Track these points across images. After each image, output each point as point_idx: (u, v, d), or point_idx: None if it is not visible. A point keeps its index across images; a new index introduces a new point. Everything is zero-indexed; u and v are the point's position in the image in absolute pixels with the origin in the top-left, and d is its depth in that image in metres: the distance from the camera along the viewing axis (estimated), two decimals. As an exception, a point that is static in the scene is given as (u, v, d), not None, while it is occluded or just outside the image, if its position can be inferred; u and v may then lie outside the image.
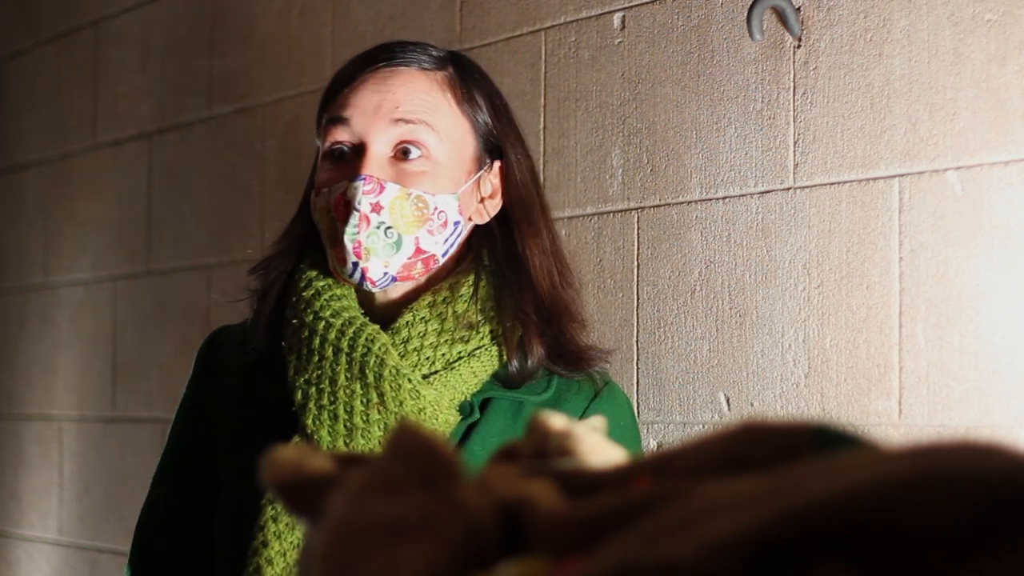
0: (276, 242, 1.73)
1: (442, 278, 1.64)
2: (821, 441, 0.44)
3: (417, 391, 1.56)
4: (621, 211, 2.04)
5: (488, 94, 1.69)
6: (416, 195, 1.60)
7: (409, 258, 1.60)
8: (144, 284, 3.05)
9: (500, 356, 1.62)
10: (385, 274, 1.60)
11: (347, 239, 1.58)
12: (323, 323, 1.59)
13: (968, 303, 1.67)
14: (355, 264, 1.58)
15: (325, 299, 1.62)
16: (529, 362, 1.61)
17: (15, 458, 3.51)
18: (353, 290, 1.65)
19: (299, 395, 1.58)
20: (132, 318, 3.08)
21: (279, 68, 2.71)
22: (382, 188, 1.58)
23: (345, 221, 1.58)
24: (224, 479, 1.66)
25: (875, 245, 1.75)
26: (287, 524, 1.55)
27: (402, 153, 1.61)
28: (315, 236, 1.68)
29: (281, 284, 1.67)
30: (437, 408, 1.58)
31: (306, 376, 1.58)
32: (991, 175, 1.66)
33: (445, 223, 1.62)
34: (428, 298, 1.62)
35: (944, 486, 0.36)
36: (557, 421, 0.56)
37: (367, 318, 1.61)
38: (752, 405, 1.86)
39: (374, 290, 1.61)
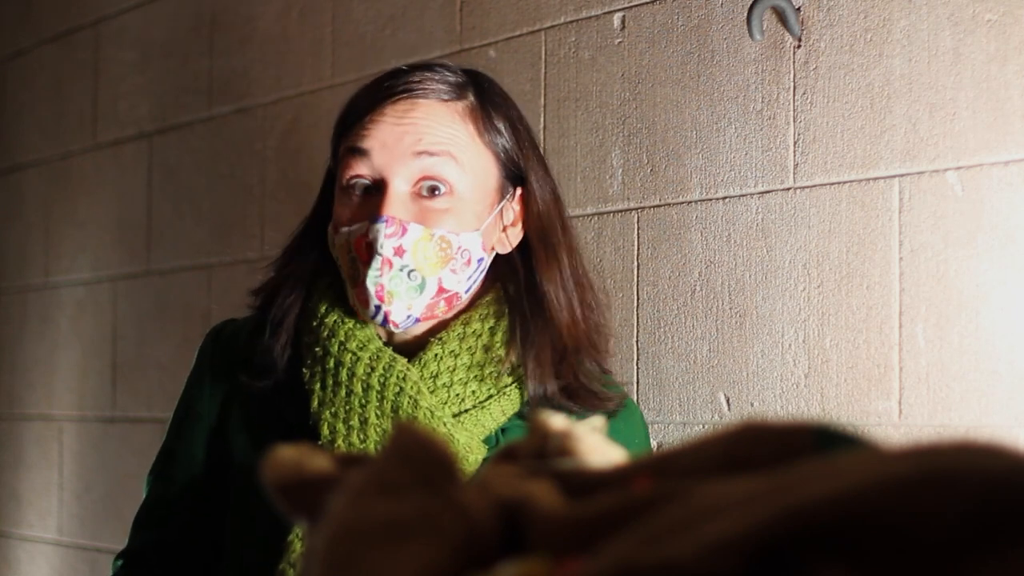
0: (286, 256, 1.68)
1: (468, 307, 1.61)
2: (821, 441, 0.44)
3: (451, 434, 1.53)
4: (621, 211, 2.04)
5: (510, 119, 1.64)
6: (440, 235, 1.55)
7: (432, 298, 1.56)
8: (144, 284, 3.05)
9: (523, 393, 1.60)
10: (408, 316, 1.56)
11: (369, 283, 1.53)
12: (350, 355, 1.56)
13: (968, 303, 1.67)
14: (377, 307, 1.54)
15: (348, 328, 1.58)
16: (548, 390, 1.59)
17: (15, 458, 3.51)
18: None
19: (326, 429, 1.55)
20: (132, 318, 3.08)
21: (279, 68, 2.71)
22: (404, 230, 1.54)
23: (368, 263, 1.54)
24: (241, 494, 1.63)
25: (875, 245, 1.75)
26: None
27: (428, 190, 1.56)
28: (330, 257, 1.64)
29: (299, 304, 1.64)
30: (468, 449, 1.55)
31: (333, 409, 1.55)
32: (991, 175, 1.66)
33: (468, 261, 1.58)
34: (458, 329, 1.58)
35: (944, 486, 0.36)
36: (557, 421, 0.56)
37: (390, 348, 1.58)
38: (752, 405, 1.86)
39: (396, 331, 1.58)
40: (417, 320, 1.57)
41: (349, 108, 1.63)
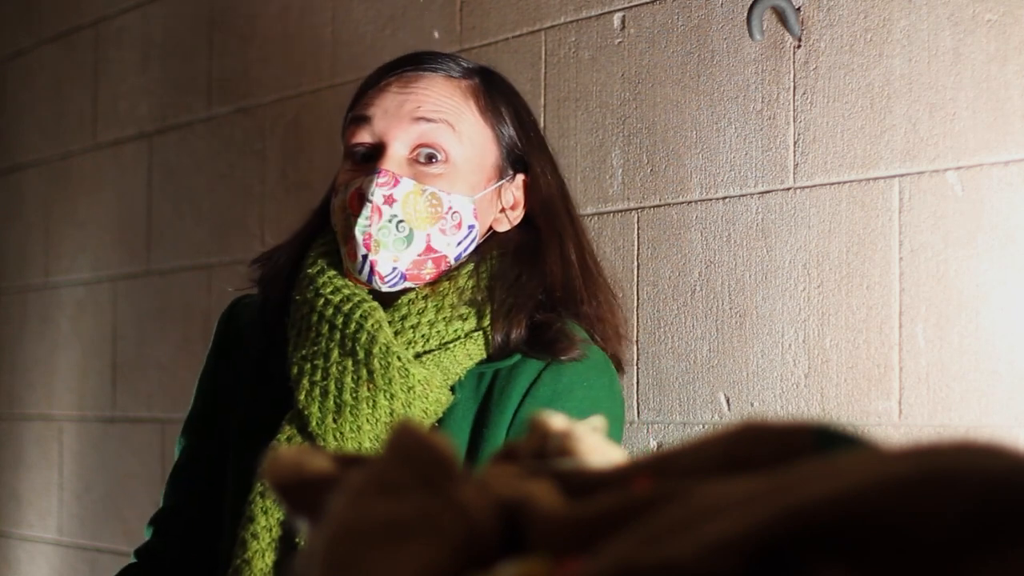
0: (289, 241, 1.76)
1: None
2: (821, 441, 0.44)
3: (406, 369, 1.57)
4: (621, 211, 2.04)
5: (515, 108, 1.71)
6: (431, 192, 1.61)
7: (419, 255, 1.61)
8: (144, 284, 3.05)
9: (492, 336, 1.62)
10: (394, 269, 1.60)
11: (358, 231, 1.59)
12: (322, 300, 1.61)
13: (968, 303, 1.67)
14: (364, 257, 1.59)
15: (328, 276, 1.63)
16: (513, 335, 1.61)
17: (15, 458, 3.51)
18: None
19: (295, 370, 1.60)
20: (132, 318, 3.08)
21: (279, 68, 2.71)
22: (396, 182, 1.60)
23: (358, 214, 1.60)
24: (232, 453, 1.69)
25: (875, 245, 1.75)
26: (275, 500, 1.56)
27: (425, 158, 1.62)
28: (327, 232, 1.70)
29: (291, 267, 1.70)
30: (427, 387, 1.58)
31: (303, 352, 1.60)
32: (991, 175, 1.66)
33: (459, 224, 1.63)
34: (448, 280, 1.63)
35: (944, 486, 0.36)
36: (557, 421, 0.56)
37: (370, 296, 1.62)
38: (752, 405, 1.86)
39: (383, 288, 1.62)
40: (404, 277, 1.61)
41: (362, 85, 1.71)
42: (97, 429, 3.17)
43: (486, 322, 1.62)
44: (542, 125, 2.15)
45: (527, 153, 1.70)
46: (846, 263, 1.78)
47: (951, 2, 1.70)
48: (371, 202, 1.59)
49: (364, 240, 1.59)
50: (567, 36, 2.14)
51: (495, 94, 1.69)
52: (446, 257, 1.63)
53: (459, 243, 1.63)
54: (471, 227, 1.64)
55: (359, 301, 1.60)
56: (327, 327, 1.59)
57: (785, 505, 0.37)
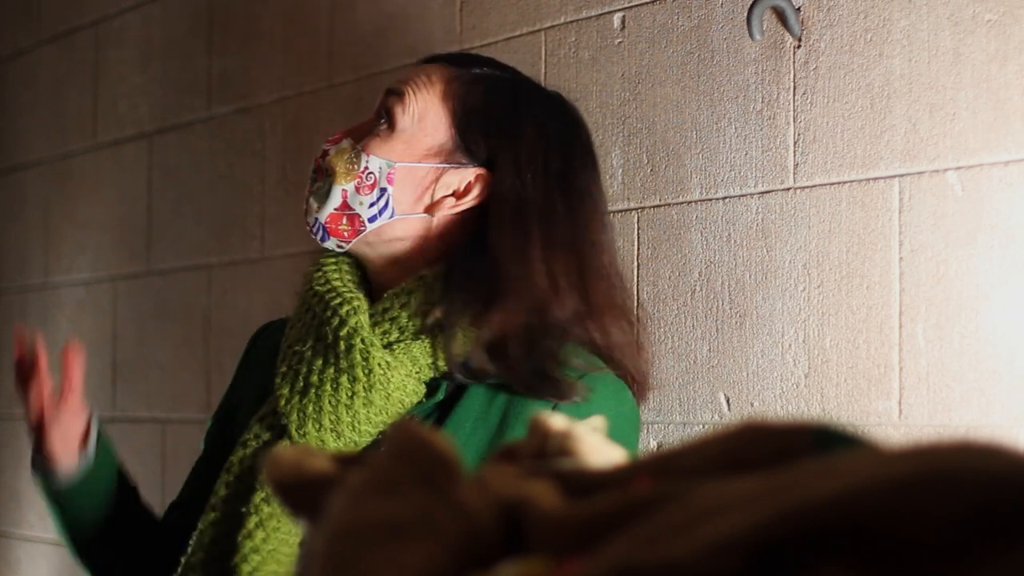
0: None
1: (435, 261, 1.66)
2: (821, 441, 0.44)
3: (368, 351, 1.59)
4: (621, 211, 2.04)
5: (507, 115, 1.68)
6: (356, 148, 1.68)
7: (336, 209, 1.67)
8: (144, 284, 3.05)
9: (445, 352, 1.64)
10: (316, 220, 1.68)
11: (306, 191, 1.71)
12: (311, 291, 1.68)
13: (968, 303, 1.67)
14: (305, 210, 1.70)
15: (324, 271, 1.69)
16: (472, 363, 1.60)
17: (15, 458, 3.51)
18: (354, 266, 1.71)
19: (280, 358, 1.66)
20: (132, 318, 3.08)
21: (279, 68, 2.71)
22: (337, 140, 1.69)
23: None
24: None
25: (875, 245, 1.75)
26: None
27: (375, 120, 1.70)
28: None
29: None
30: (387, 371, 1.59)
31: (288, 342, 1.67)
32: (991, 175, 1.66)
33: (373, 185, 1.66)
34: (424, 272, 1.65)
35: (944, 486, 0.36)
36: (557, 421, 0.56)
37: (362, 293, 1.67)
38: (752, 405, 1.86)
39: (317, 240, 1.69)
40: (324, 228, 1.67)
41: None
42: (97, 429, 3.17)
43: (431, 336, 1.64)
44: (542, 125, 2.15)
45: (496, 153, 1.65)
46: (846, 263, 1.78)
47: (951, 2, 1.70)
48: (314, 159, 1.70)
49: (306, 195, 1.70)
50: (567, 36, 2.14)
51: (479, 89, 1.67)
52: (359, 217, 1.66)
53: (371, 204, 1.66)
54: (383, 191, 1.66)
55: (347, 295, 1.65)
56: (311, 316, 1.65)
57: (785, 505, 0.37)
